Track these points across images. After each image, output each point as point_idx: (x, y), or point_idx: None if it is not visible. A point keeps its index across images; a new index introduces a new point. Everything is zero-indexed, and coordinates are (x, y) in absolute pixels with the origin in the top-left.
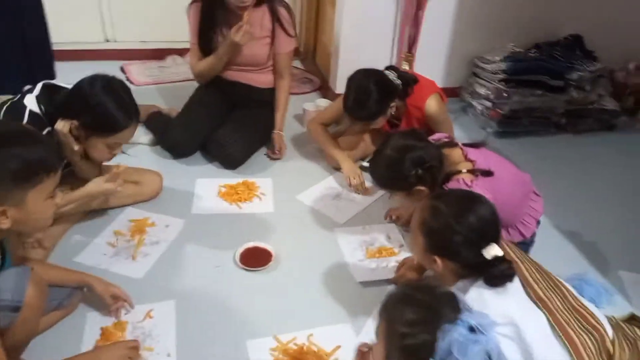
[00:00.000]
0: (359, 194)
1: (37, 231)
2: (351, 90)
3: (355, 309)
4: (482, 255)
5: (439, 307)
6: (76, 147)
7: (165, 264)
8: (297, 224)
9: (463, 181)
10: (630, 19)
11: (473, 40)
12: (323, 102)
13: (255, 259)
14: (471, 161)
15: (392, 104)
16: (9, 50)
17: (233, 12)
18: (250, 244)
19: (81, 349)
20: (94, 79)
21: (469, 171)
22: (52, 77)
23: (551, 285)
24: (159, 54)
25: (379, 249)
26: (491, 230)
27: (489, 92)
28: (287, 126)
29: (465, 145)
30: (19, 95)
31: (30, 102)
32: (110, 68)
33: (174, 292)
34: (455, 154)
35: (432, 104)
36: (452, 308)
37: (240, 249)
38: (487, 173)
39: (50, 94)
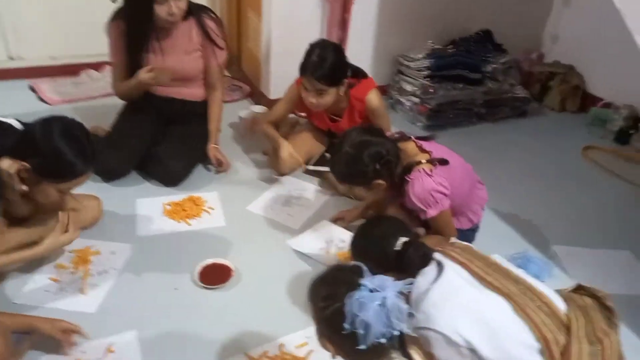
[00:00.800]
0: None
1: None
2: (312, 51)
3: None
4: (396, 249)
5: (346, 279)
6: (22, 188)
7: (118, 294)
8: (251, 235)
9: (424, 171)
10: (530, 9)
11: (396, 39)
12: (258, 109)
13: (216, 275)
14: (427, 152)
15: (344, 82)
16: None
17: (162, 27)
18: (208, 261)
19: None
20: (48, 124)
21: (427, 161)
22: None
23: (502, 274)
24: (71, 70)
25: (344, 254)
26: (397, 230)
27: (416, 89)
28: (223, 135)
29: (417, 138)
30: None
31: None
32: (17, 87)
33: (133, 322)
34: (410, 146)
35: (373, 97)
36: (357, 278)
37: (198, 267)
38: (444, 162)
39: None
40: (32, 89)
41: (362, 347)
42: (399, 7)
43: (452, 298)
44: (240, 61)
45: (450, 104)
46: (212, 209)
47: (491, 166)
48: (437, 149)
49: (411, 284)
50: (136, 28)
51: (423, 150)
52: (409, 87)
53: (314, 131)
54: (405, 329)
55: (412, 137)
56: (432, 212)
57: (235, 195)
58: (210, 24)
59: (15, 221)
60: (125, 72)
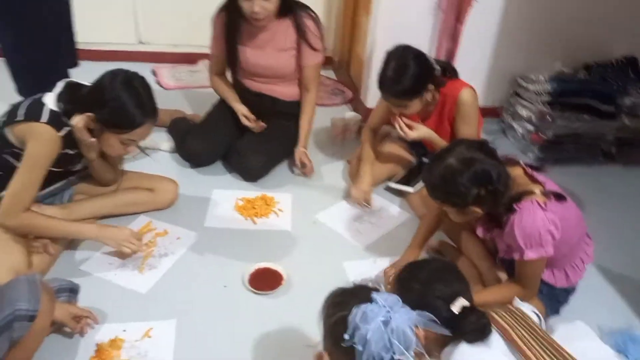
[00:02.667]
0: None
1: None
2: (389, 63)
3: None
4: (451, 312)
5: (364, 294)
6: (90, 141)
7: (171, 280)
8: (313, 247)
9: (537, 202)
10: None
11: (516, 58)
12: (351, 116)
13: (265, 281)
14: (539, 183)
15: (429, 87)
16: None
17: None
18: (261, 265)
19: None
20: (115, 74)
21: (541, 193)
22: (75, 64)
23: (547, 349)
24: (190, 58)
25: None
26: (458, 288)
27: (532, 115)
28: (313, 139)
29: (527, 166)
30: (40, 95)
31: (50, 101)
32: (141, 70)
33: (176, 311)
34: (518, 173)
35: (466, 94)
36: (369, 293)
37: (250, 270)
38: (560, 197)
39: (72, 89)
40: (153, 73)
41: None
42: (525, 21)
43: None
44: (349, 65)
45: (570, 137)
46: (281, 211)
47: (610, 218)
48: (548, 182)
49: (432, 321)
50: (234, 20)
51: (534, 180)
52: (524, 112)
53: (404, 146)
54: (409, 358)
55: (521, 162)
56: (530, 255)
57: (308, 201)
58: (308, 24)
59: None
60: (223, 65)
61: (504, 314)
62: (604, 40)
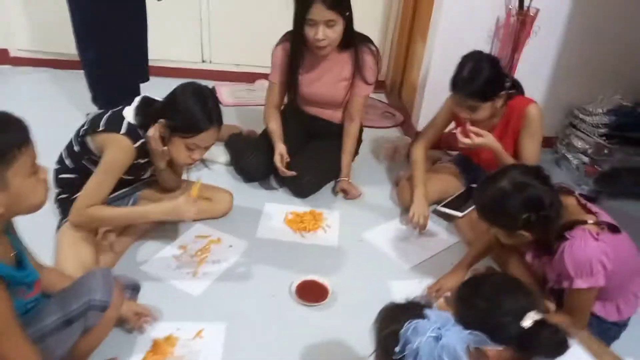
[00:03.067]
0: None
1: (32, 211)
2: (464, 65)
3: None
4: (522, 328)
5: (417, 310)
6: (162, 149)
7: (222, 285)
8: (359, 264)
9: (589, 232)
10: None
11: (574, 89)
12: (402, 139)
13: (311, 293)
14: (593, 213)
15: (501, 94)
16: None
17: (312, 52)
18: (309, 277)
19: (132, 359)
20: (186, 84)
21: (594, 223)
22: (147, 78)
23: None
24: (249, 77)
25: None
26: (527, 303)
27: (587, 147)
28: (361, 159)
29: (580, 195)
30: (120, 108)
31: (129, 114)
32: None
33: (226, 315)
34: (571, 202)
35: (535, 109)
36: (421, 310)
37: (298, 281)
38: (614, 229)
39: (147, 104)
40: (214, 90)
41: None
42: (584, 52)
43: None
44: (401, 90)
45: (629, 171)
46: (329, 227)
47: None
48: (602, 214)
49: (484, 342)
50: (296, 49)
51: (588, 211)
52: (579, 144)
53: (454, 171)
54: None
55: (575, 192)
56: (580, 284)
57: (356, 220)
58: (367, 59)
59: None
60: (280, 95)
61: (598, 344)
62: None
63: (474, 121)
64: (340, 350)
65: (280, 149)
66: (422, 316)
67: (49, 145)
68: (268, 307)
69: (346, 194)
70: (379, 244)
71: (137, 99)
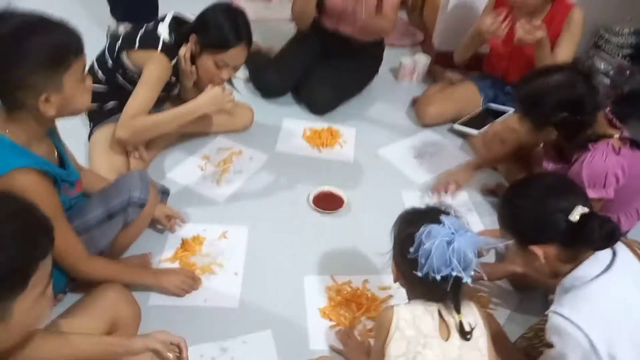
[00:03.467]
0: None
1: (75, 114)
2: None
3: None
4: (570, 221)
5: (435, 216)
6: (190, 68)
7: (244, 193)
8: (372, 177)
9: (612, 146)
10: None
11: (600, 8)
12: (421, 57)
13: (328, 202)
14: (619, 128)
15: None
16: None
17: None
18: (325, 188)
19: (163, 255)
20: (218, 3)
21: (619, 138)
22: None
23: None
24: None
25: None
26: (571, 194)
27: (610, 68)
28: (380, 78)
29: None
30: (152, 23)
31: (164, 32)
32: None
33: (248, 219)
34: (600, 116)
35: (578, 13)
36: (439, 215)
37: (315, 191)
38: (637, 145)
39: (180, 22)
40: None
41: (418, 274)
42: None
43: (621, 316)
44: (423, 8)
45: None
46: (345, 142)
47: None
48: (625, 130)
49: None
50: None
51: (613, 125)
52: (602, 65)
53: (473, 87)
54: (466, 277)
55: (606, 106)
56: (591, 194)
57: (372, 137)
58: None
59: None
60: None
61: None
62: None
63: (523, 6)
64: (352, 252)
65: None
66: (438, 221)
67: None
68: (287, 213)
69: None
70: (393, 160)
71: (168, 16)
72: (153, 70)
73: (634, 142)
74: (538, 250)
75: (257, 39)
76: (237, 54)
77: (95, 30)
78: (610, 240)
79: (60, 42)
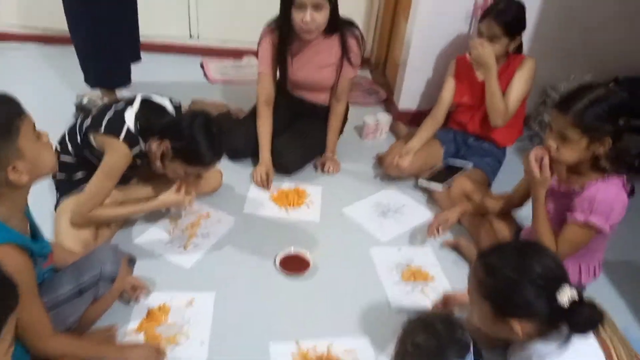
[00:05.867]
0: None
1: (51, 171)
2: (501, 0)
3: (381, 328)
4: (557, 302)
5: (447, 345)
6: (159, 166)
7: (211, 257)
8: (339, 236)
9: (623, 185)
10: None
11: (546, 67)
12: (383, 116)
13: (294, 264)
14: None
15: (518, 38)
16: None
17: (302, 39)
18: (292, 250)
19: (129, 326)
20: (196, 115)
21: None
22: (139, 57)
23: None
24: (237, 54)
25: (413, 273)
26: (558, 272)
27: None
28: (345, 137)
29: None
30: (122, 105)
31: (129, 119)
32: (190, 62)
33: (215, 285)
34: None
35: (533, 61)
36: (458, 351)
37: (282, 254)
38: (632, 191)
39: (148, 110)
40: (201, 66)
41: None
42: (557, 32)
43: None
44: (385, 67)
45: None
46: (312, 203)
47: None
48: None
49: None
50: (285, 36)
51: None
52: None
53: (435, 142)
54: None
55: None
56: (594, 220)
57: (337, 195)
58: (351, 44)
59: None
60: (271, 87)
61: (612, 333)
62: (634, 55)
63: (480, 63)
64: (320, 314)
65: (266, 162)
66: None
67: (41, 122)
68: (254, 278)
69: (326, 168)
70: (358, 218)
71: (137, 100)
72: (112, 158)
73: (632, 189)
74: (516, 324)
75: (226, 100)
76: (210, 168)
77: (69, 97)
78: (593, 326)
79: (1, 113)
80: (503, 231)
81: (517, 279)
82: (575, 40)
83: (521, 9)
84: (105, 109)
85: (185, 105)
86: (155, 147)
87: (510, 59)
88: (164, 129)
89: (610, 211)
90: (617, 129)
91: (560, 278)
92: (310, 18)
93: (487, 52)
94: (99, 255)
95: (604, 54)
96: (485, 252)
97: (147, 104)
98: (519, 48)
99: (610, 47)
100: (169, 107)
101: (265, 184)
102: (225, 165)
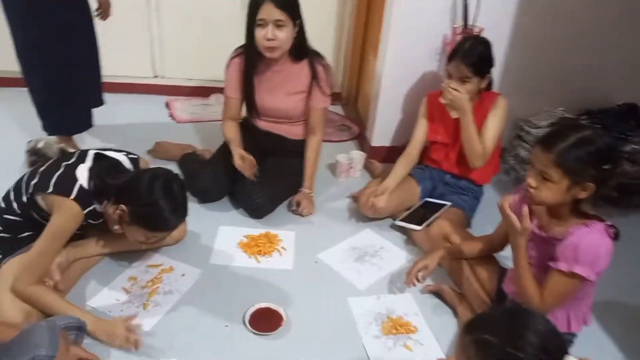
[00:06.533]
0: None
1: None
2: (466, 40)
3: None
4: None
5: None
6: (116, 229)
7: (174, 317)
8: (314, 286)
9: (607, 232)
10: None
11: (519, 102)
12: (357, 155)
13: (265, 321)
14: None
15: (488, 76)
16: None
17: (269, 63)
18: (262, 305)
19: None
20: (155, 176)
21: (610, 226)
22: (101, 102)
23: None
24: (203, 92)
25: (395, 325)
26: (556, 341)
27: (530, 156)
28: (318, 176)
29: None
30: (73, 163)
31: (82, 176)
32: (155, 102)
33: (178, 350)
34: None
35: (505, 100)
36: None
37: (251, 309)
38: (617, 236)
39: (102, 168)
40: (167, 105)
41: None
42: (528, 66)
43: None
44: (357, 102)
45: None
46: (285, 249)
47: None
48: None
49: None
50: (251, 61)
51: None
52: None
53: (411, 181)
54: None
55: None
56: (579, 270)
57: (311, 240)
58: (319, 70)
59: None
60: (237, 109)
61: None
62: (605, 88)
63: (462, 95)
64: None
65: (239, 151)
66: None
67: None
68: (220, 340)
69: (300, 209)
70: (333, 265)
71: (90, 156)
72: (61, 218)
73: (617, 234)
74: None
75: (193, 140)
76: (173, 231)
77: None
78: None
79: None
80: (484, 276)
81: (517, 357)
82: (544, 73)
83: (487, 47)
84: (53, 165)
85: (149, 147)
86: (112, 211)
87: (483, 96)
88: (120, 191)
89: (596, 259)
90: (601, 174)
91: (561, 349)
92: (272, 35)
93: (461, 96)
94: (33, 336)
95: (574, 87)
96: (473, 325)
97: (101, 159)
98: (489, 85)
99: (579, 79)
100: (126, 163)
101: (248, 166)
102: (192, 209)
